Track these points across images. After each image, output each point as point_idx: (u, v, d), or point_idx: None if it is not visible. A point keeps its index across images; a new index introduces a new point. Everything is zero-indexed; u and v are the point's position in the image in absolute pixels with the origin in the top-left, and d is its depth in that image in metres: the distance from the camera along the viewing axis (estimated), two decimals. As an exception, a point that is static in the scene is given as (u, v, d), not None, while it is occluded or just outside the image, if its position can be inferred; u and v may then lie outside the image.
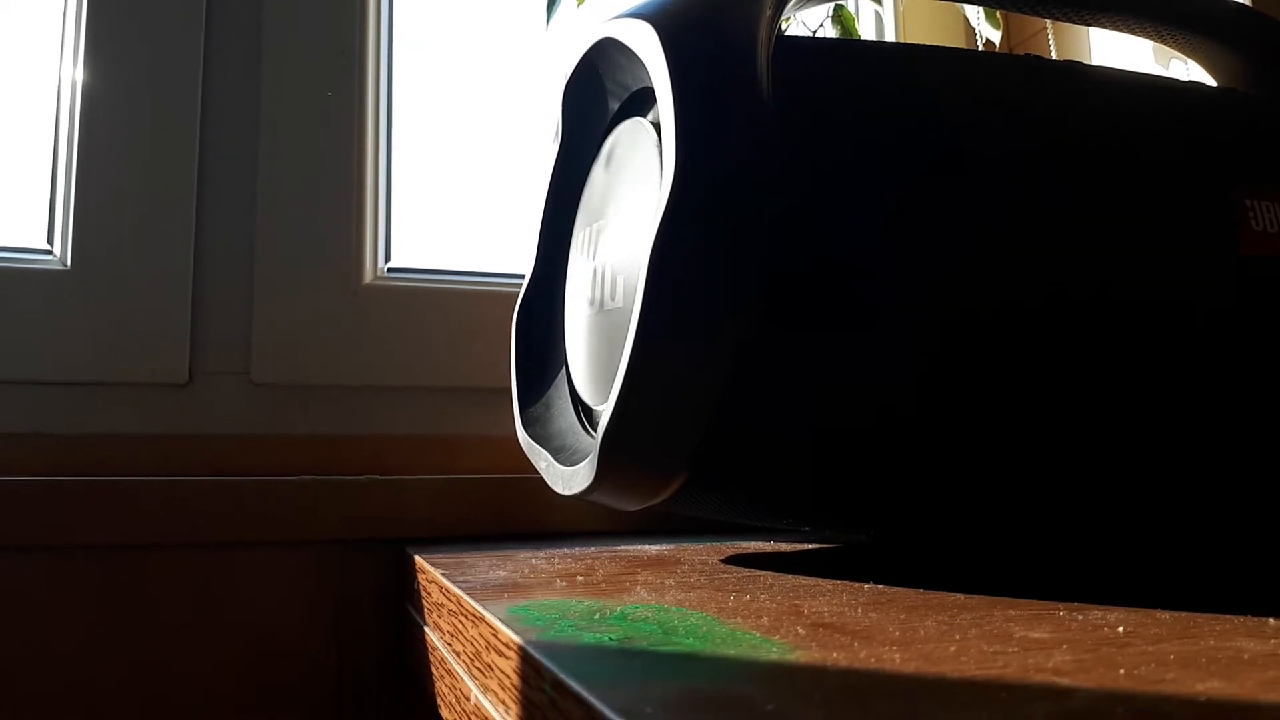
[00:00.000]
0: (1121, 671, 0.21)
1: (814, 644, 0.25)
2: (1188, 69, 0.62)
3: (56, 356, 0.59)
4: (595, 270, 0.42)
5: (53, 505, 0.52)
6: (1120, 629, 0.26)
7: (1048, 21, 0.78)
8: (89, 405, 0.59)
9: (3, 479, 0.52)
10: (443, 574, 0.41)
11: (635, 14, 0.38)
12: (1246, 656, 0.22)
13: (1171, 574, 0.37)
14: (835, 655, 0.24)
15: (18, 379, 0.58)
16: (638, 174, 0.40)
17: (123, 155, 0.62)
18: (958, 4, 0.79)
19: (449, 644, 0.39)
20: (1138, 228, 0.39)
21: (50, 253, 0.61)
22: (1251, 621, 0.26)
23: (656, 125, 0.40)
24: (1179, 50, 0.52)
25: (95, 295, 0.60)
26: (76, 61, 0.62)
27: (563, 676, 0.23)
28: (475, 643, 0.33)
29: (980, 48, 0.78)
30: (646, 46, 0.37)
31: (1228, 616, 0.27)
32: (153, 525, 0.54)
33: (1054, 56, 0.76)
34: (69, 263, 0.60)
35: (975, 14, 0.75)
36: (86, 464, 0.57)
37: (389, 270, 0.68)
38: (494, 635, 0.30)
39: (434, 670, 0.42)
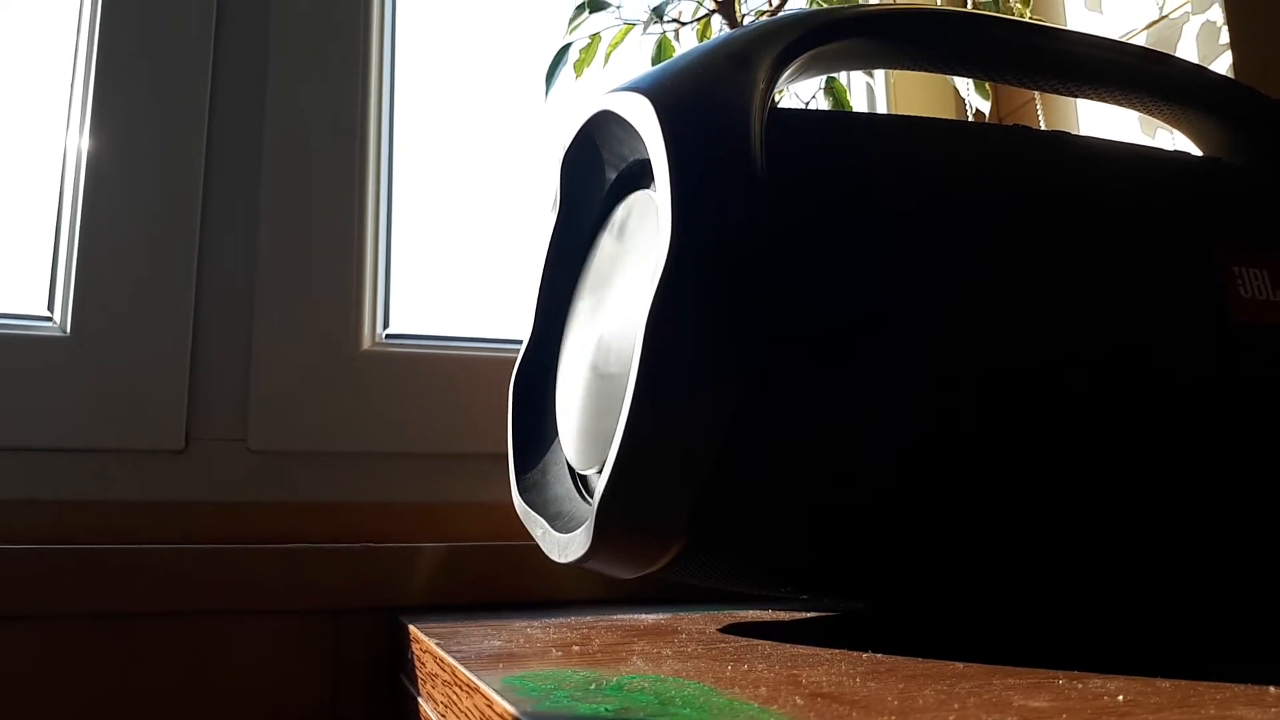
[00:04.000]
0: (1121, 742, 0.21)
1: (812, 714, 0.25)
2: (1173, 139, 0.63)
3: (54, 423, 0.59)
4: (598, 336, 0.42)
5: (46, 574, 0.52)
6: (1120, 698, 0.25)
7: (1036, 93, 0.79)
8: (85, 472, 0.59)
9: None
10: (437, 644, 0.41)
11: (632, 87, 0.39)
12: (1247, 726, 0.22)
13: (1170, 641, 0.37)
14: (833, 726, 0.23)
15: (14, 445, 0.58)
16: (645, 244, 0.41)
17: (125, 223, 0.62)
18: (947, 76, 0.81)
19: (443, 715, 0.38)
20: (1129, 297, 0.40)
21: (50, 319, 0.62)
22: (1252, 690, 0.26)
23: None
24: (1164, 121, 0.53)
25: (94, 361, 0.60)
26: (83, 130, 0.63)
27: (558, 748, 0.22)
28: (470, 714, 0.32)
29: (970, 118, 0.80)
30: (643, 120, 0.38)
31: (1227, 685, 0.27)
32: (148, 594, 0.53)
33: (1043, 127, 0.78)
34: (69, 329, 0.61)
35: (965, 85, 0.77)
36: (81, 531, 0.57)
37: (388, 336, 0.68)
38: (489, 706, 0.29)
39: (428, 742, 0.41)
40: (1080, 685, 0.27)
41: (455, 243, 0.76)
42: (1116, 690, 0.26)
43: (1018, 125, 0.45)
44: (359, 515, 0.63)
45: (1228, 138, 0.52)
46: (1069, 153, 0.45)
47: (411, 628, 0.47)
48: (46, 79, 0.67)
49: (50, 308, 0.62)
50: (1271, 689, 0.26)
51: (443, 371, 0.67)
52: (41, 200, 0.64)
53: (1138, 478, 0.39)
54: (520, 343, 0.50)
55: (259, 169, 0.66)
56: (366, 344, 0.66)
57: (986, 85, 0.77)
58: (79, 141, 0.63)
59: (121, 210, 0.63)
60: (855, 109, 0.81)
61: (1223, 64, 0.67)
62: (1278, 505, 0.42)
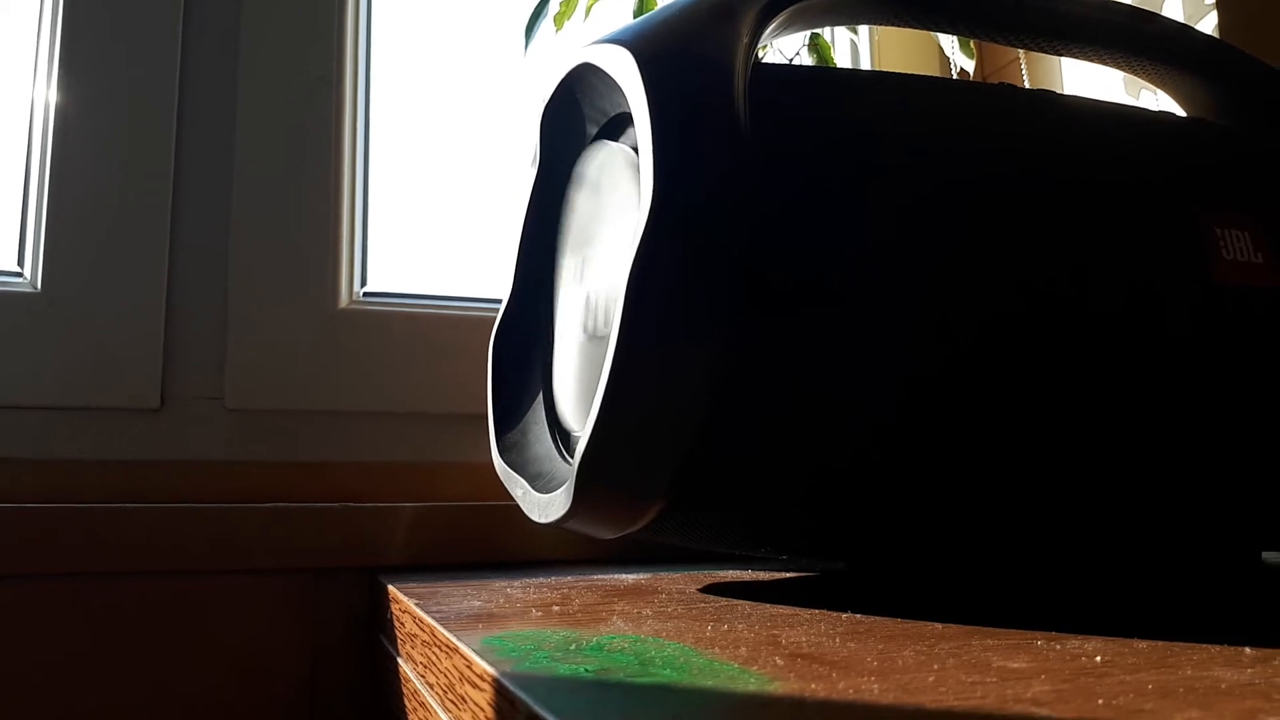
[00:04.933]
0: (1100, 701, 0.21)
1: (792, 675, 0.25)
2: (1157, 99, 0.63)
3: (26, 380, 0.58)
4: (587, 297, 0.42)
5: (22, 533, 0.51)
6: (1098, 658, 0.26)
7: (1021, 52, 0.79)
8: (59, 430, 0.58)
9: (-31, 506, 0.51)
10: (416, 604, 0.41)
11: (613, 40, 0.39)
12: (1224, 686, 0.22)
13: (1147, 601, 0.37)
14: (814, 686, 0.23)
15: (-14, 404, 0.57)
16: (623, 200, 0.40)
17: (96, 177, 0.61)
18: (932, 33, 0.80)
19: (422, 675, 0.38)
20: (1110, 256, 0.40)
21: (21, 275, 0.61)
22: (1228, 650, 0.26)
23: (635, 148, 0.40)
24: (1149, 81, 0.53)
25: (67, 318, 0.59)
26: (50, 82, 0.62)
27: (538, 709, 0.22)
28: (449, 674, 0.32)
29: (954, 77, 0.79)
30: (624, 72, 0.37)
31: (1204, 645, 0.27)
32: (122, 553, 0.53)
33: (1027, 85, 0.77)
34: (39, 285, 0.60)
35: (949, 44, 0.76)
36: (56, 490, 0.56)
37: (365, 294, 0.68)
38: (468, 667, 0.29)
39: (407, 703, 0.41)
40: (1058, 646, 0.27)
41: (433, 199, 0.75)
42: (1094, 651, 0.27)
43: (1003, 83, 0.45)
44: (338, 474, 0.62)
45: (1212, 99, 0.52)
46: (1054, 111, 0.45)
47: (391, 588, 0.47)
48: (14, 30, 0.65)
49: (20, 263, 0.61)
50: (1247, 649, 0.27)
51: (421, 330, 0.66)
52: (10, 155, 0.63)
53: (1116, 437, 0.39)
54: (500, 302, 0.50)
55: (233, 121, 0.65)
56: (344, 302, 0.66)
57: (971, 44, 0.76)
58: (47, 94, 0.62)
59: (92, 164, 0.61)
60: (840, 66, 0.80)
61: (1208, 24, 0.67)
62: (1252, 466, 0.42)
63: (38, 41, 0.63)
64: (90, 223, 0.61)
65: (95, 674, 0.52)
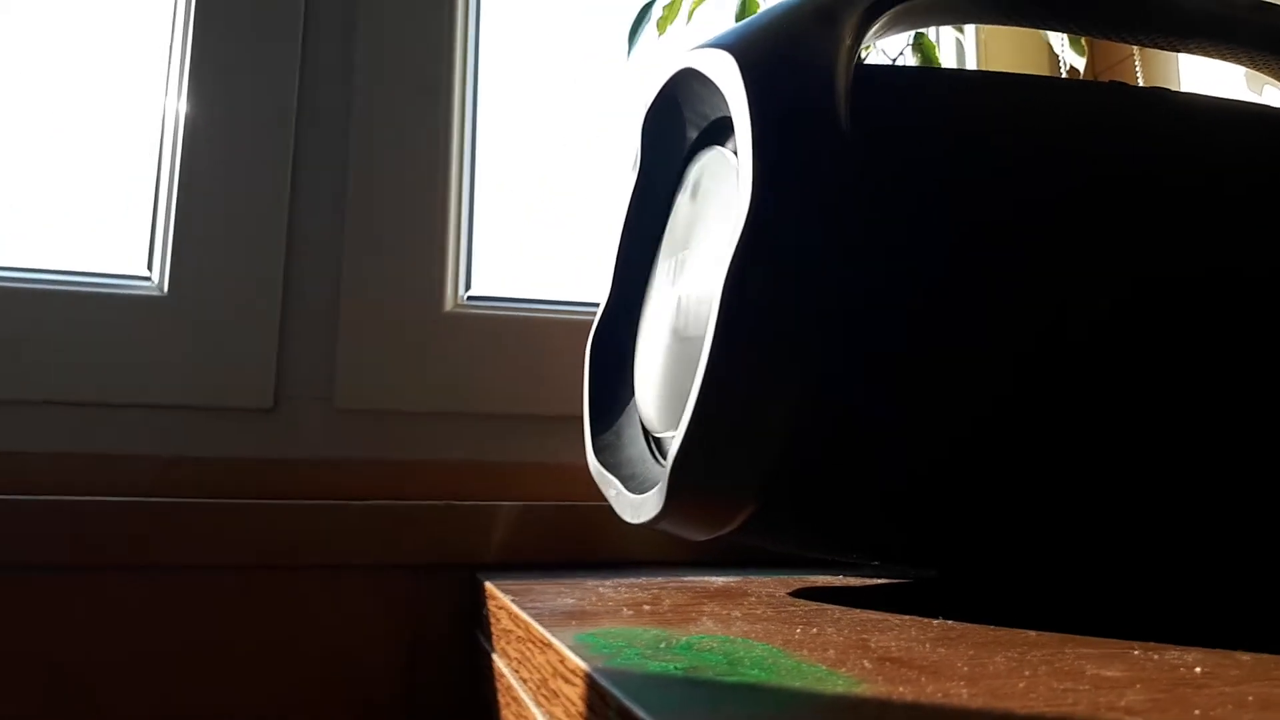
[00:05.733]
0: (1197, 712, 0.20)
1: (880, 678, 0.25)
2: (1283, 96, 0.60)
3: (151, 379, 0.61)
4: (679, 299, 0.42)
5: (142, 526, 0.54)
6: (1198, 669, 0.25)
7: (1135, 48, 0.76)
8: (180, 428, 0.61)
9: (97, 499, 0.54)
10: (511, 600, 0.41)
11: (715, 44, 0.39)
12: (1335, 704, 0.21)
13: (1253, 614, 0.36)
14: (901, 689, 0.23)
15: (114, 401, 0.61)
16: (721, 203, 0.41)
17: (220, 185, 0.64)
18: (1040, 30, 0.78)
19: (516, 670, 0.39)
20: (1222, 263, 0.38)
21: (149, 279, 0.64)
22: (1343, 668, 0.25)
23: (737, 154, 0.40)
24: (1272, 76, 0.51)
25: (189, 320, 0.62)
26: (180, 94, 0.65)
27: (628, 704, 0.23)
28: (542, 669, 0.33)
29: (1064, 74, 0.77)
30: (726, 77, 0.37)
31: (1317, 662, 0.26)
32: (237, 548, 0.55)
33: (1141, 83, 0.75)
34: (166, 288, 0.63)
35: (1059, 41, 0.74)
36: (175, 486, 0.59)
37: (469, 298, 0.69)
38: (561, 662, 0.30)
39: (500, 698, 0.42)
40: (1156, 656, 0.27)
41: (538, 205, 0.77)
42: (1194, 662, 0.26)
43: (1114, 81, 0.43)
44: (439, 473, 0.64)
45: (1341, 94, 0.49)
46: (1169, 110, 0.43)
47: (487, 584, 0.48)
48: (146, 45, 0.69)
49: (149, 267, 0.64)
50: (1364, 668, 0.25)
51: (522, 333, 0.68)
52: (143, 163, 0.66)
53: (1220, 445, 0.38)
54: (598, 306, 0.51)
55: (347, 130, 0.67)
56: (449, 305, 0.67)
57: (1082, 40, 0.74)
58: (177, 105, 0.65)
59: (217, 173, 0.64)
60: (944, 66, 0.79)
61: (1339, 16, 0.63)
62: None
63: (169, 54, 0.67)
64: (213, 229, 0.64)
65: (205, 665, 0.55)
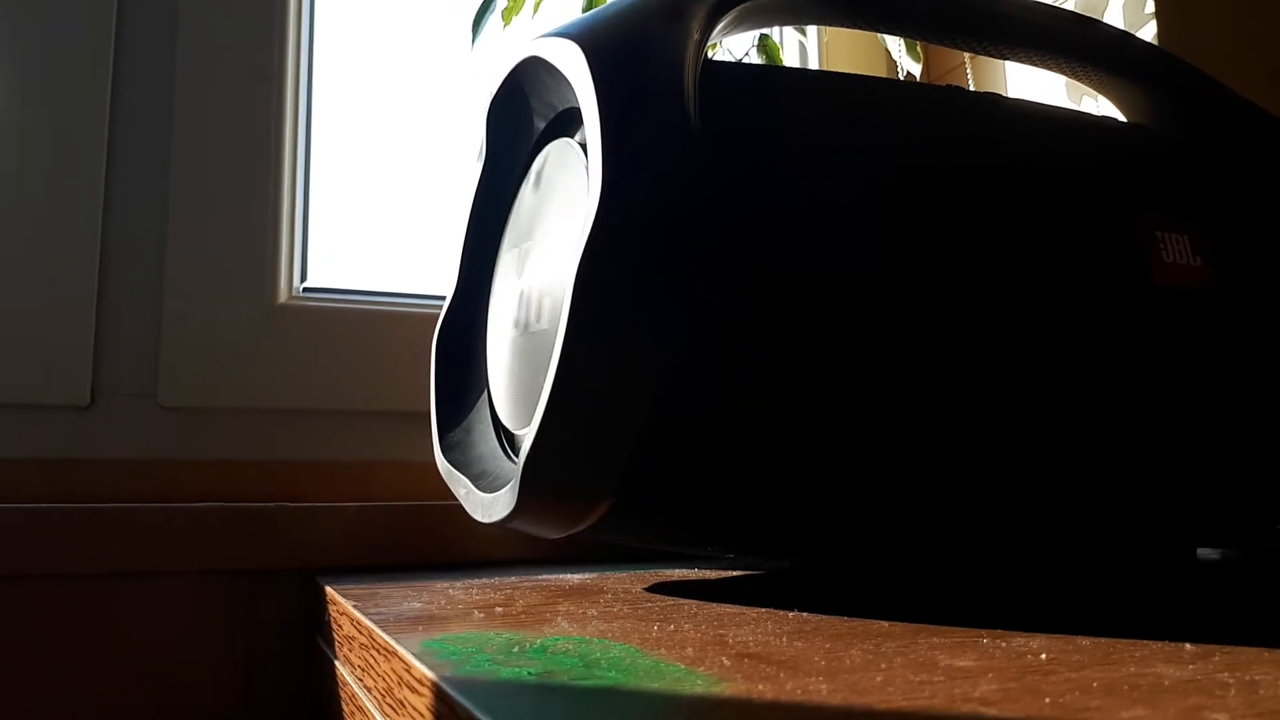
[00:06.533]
0: (1047, 700, 0.21)
1: (739, 675, 0.24)
2: (1098, 105, 0.64)
3: (-53, 376, 0.56)
4: (522, 292, 0.41)
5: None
6: (1043, 656, 0.26)
7: (967, 56, 0.80)
8: (-19, 428, 0.56)
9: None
10: (354, 605, 0.40)
11: (562, 34, 0.38)
12: (1167, 683, 0.22)
13: (1089, 598, 0.38)
14: (761, 687, 0.23)
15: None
16: (566, 195, 0.40)
17: (25, 164, 0.59)
18: (879, 36, 0.80)
19: (360, 679, 0.37)
20: (1054, 256, 0.40)
21: (-58, 267, 0.59)
22: (1169, 647, 0.27)
23: (584, 145, 0.40)
24: (1090, 86, 0.54)
25: (-9, 312, 0.57)
26: (-24, 68, 0.60)
27: (479, 715, 0.22)
28: (387, 678, 0.32)
29: (902, 79, 0.79)
30: (573, 66, 0.36)
31: (1145, 642, 0.27)
32: (51, 555, 0.51)
33: (973, 89, 0.78)
34: (-37, 278, 0.57)
35: (896, 46, 0.77)
36: (-23, 490, 0.54)
37: (304, 290, 0.66)
38: (407, 670, 0.29)
39: (344, 707, 0.40)
40: (1004, 644, 0.27)
41: (377, 194, 0.74)
42: (1039, 649, 0.27)
43: (951, 85, 0.45)
44: (274, 474, 0.61)
45: (1152, 105, 0.53)
46: (1000, 112, 0.45)
47: (328, 589, 0.46)
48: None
49: (-58, 254, 0.59)
50: (1187, 646, 0.27)
51: (362, 327, 0.65)
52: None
53: (1055, 434, 0.40)
54: (444, 299, 0.49)
55: (169, 111, 0.63)
56: (283, 297, 0.64)
57: (918, 47, 0.76)
58: (-27, 78, 0.60)
59: (20, 153, 0.59)
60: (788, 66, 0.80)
61: (1148, 32, 0.68)
62: (1187, 464, 0.43)
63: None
64: (18, 212, 0.59)
65: (19, 680, 0.50)
